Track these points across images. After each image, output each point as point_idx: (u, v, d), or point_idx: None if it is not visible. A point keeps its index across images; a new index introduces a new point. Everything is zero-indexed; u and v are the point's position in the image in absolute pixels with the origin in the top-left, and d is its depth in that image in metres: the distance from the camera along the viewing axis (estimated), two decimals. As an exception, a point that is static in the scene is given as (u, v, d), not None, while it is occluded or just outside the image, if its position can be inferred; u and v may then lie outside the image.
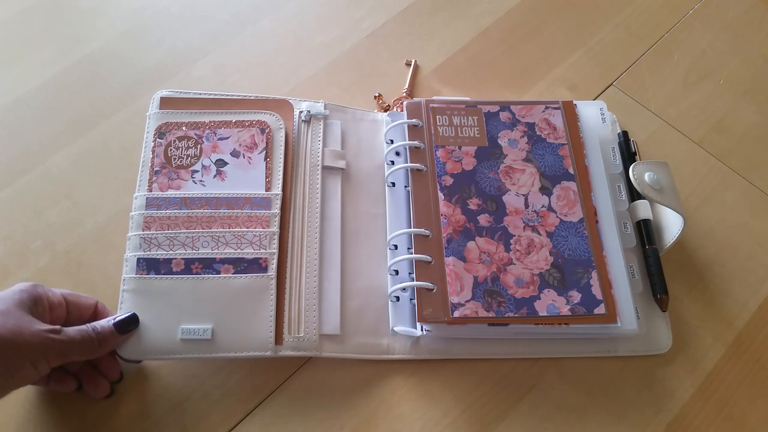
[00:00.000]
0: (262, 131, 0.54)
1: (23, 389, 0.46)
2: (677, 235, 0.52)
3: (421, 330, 0.49)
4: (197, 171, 0.52)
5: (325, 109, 0.58)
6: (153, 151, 0.52)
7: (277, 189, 0.52)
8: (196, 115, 0.54)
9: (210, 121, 0.54)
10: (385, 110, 0.61)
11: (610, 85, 0.66)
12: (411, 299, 0.50)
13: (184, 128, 0.53)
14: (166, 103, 0.55)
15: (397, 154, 0.57)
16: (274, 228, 0.50)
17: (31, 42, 0.66)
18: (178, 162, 0.52)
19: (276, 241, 0.49)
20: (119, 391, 0.47)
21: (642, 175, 0.53)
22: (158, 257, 0.48)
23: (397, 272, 0.51)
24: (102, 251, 0.53)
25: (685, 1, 0.72)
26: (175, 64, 0.65)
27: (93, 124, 0.60)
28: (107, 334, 0.43)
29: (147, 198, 0.50)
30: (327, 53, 0.66)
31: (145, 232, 0.49)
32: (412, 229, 0.51)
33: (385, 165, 0.56)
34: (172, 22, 0.68)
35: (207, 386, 0.48)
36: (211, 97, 0.55)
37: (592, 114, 0.59)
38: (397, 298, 0.50)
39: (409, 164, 0.54)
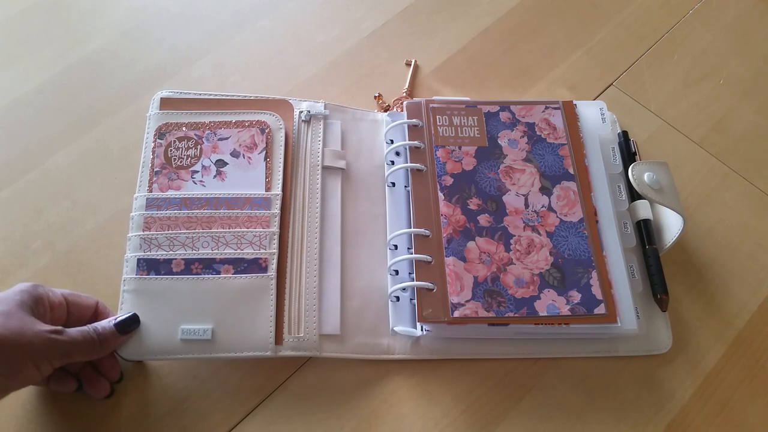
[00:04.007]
0: (262, 131, 0.54)
1: (23, 389, 0.46)
2: (677, 235, 0.52)
3: (421, 330, 0.49)
4: (197, 171, 0.52)
5: (325, 109, 0.58)
6: (153, 152, 0.52)
7: (277, 189, 0.52)
8: (196, 116, 0.54)
9: (210, 122, 0.54)
10: (385, 110, 0.61)
11: (610, 85, 0.66)
12: (411, 299, 0.50)
13: (184, 129, 0.53)
14: (166, 103, 0.55)
15: (397, 154, 0.57)
16: (274, 228, 0.50)
17: (31, 42, 0.66)
18: (178, 162, 0.52)
19: (276, 241, 0.49)
20: (119, 391, 0.47)
21: (641, 175, 0.53)
22: (158, 258, 0.48)
23: (397, 272, 0.51)
24: (102, 251, 0.53)
25: (685, 1, 0.72)
26: (175, 64, 0.65)
27: (93, 124, 0.60)
28: (108, 335, 0.43)
29: (147, 198, 0.50)
30: (327, 53, 0.66)
31: (146, 233, 0.49)
32: (412, 229, 0.51)
33: (385, 165, 0.56)
34: (171, 21, 0.68)
35: (207, 386, 0.48)
36: (211, 97, 0.55)
37: (592, 114, 0.59)
38: (397, 298, 0.50)
39: (409, 164, 0.54)
